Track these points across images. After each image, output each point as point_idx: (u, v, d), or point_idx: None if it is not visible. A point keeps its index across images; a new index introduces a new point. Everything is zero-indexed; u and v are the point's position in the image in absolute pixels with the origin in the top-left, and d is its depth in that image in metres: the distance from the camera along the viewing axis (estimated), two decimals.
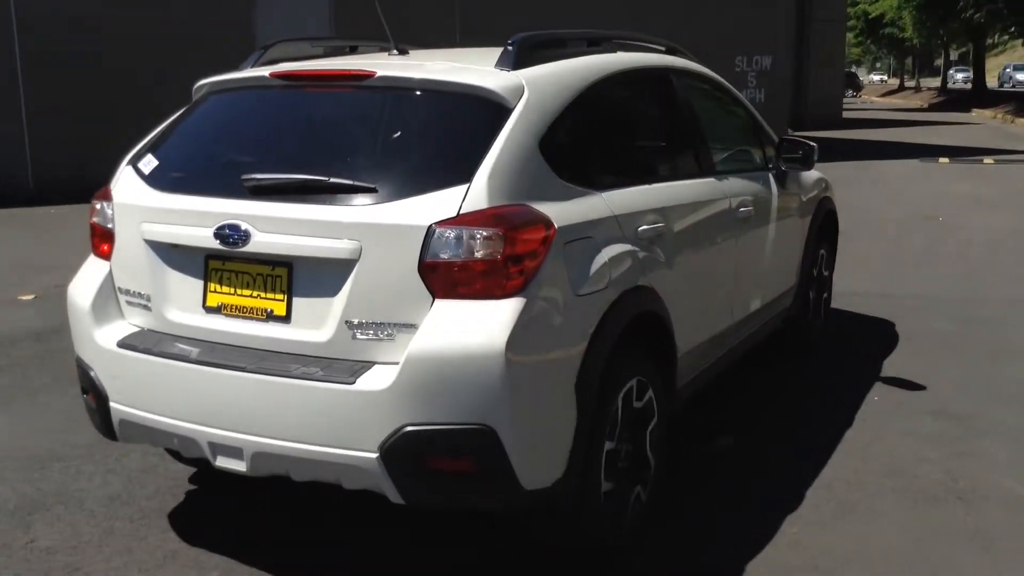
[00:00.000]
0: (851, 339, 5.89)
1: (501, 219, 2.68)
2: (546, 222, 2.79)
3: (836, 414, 4.60)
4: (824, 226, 5.51)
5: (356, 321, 2.72)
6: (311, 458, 2.74)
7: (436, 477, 2.70)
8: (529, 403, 2.69)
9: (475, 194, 2.70)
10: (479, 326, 2.63)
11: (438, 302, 2.67)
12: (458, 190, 2.71)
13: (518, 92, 2.95)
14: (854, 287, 7.03)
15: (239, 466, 2.86)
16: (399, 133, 3.01)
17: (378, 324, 2.70)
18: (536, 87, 3.03)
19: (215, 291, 2.95)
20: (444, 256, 2.66)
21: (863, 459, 4.10)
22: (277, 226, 2.81)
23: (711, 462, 4.08)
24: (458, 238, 2.65)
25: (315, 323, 2.79)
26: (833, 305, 6.42)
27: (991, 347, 5.66)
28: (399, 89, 3.06)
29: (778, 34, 16.41)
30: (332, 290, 2.76)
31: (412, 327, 2.67)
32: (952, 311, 6.50)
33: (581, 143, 3.24)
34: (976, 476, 3.93)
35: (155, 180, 3.14)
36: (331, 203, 2.79)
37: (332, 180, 2.81)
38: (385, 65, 3.19)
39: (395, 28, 3.49)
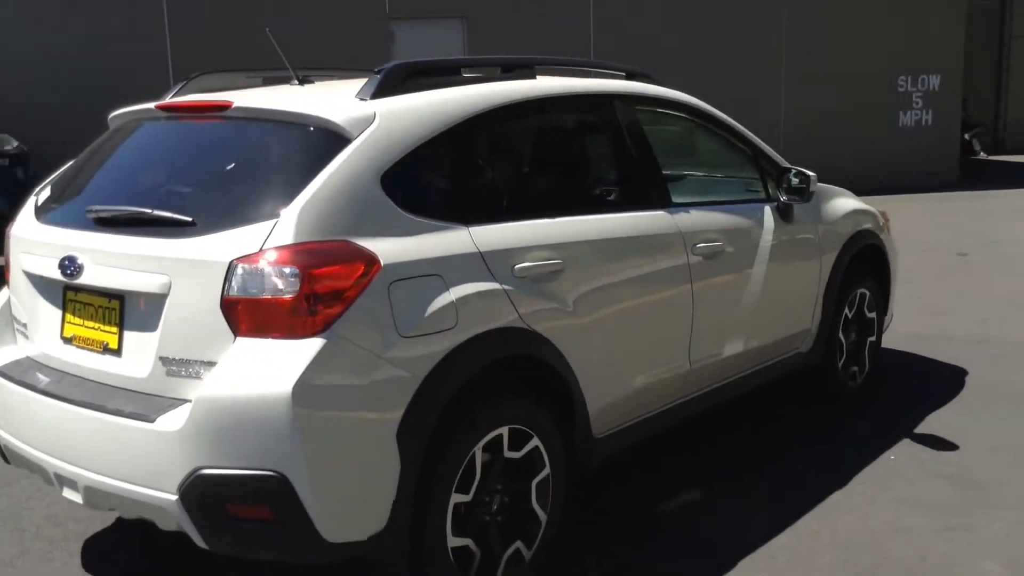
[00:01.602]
0: (902, 387, 5.32)
1: (302, 256, 2.57)
2: (368, 259, 2.65)
3: (835, 472, 4.16)
4: (863, 263, 5.01)
5: (169, 357, 2.69)
6: (127, 496, 2.71)
7: (236, 523, 2.62)
8: (329, 451, 2.56)
9: (281, 229, 2.61)
10: (270, 368, 2.53)
11: (239, 341, 2.59)
12: (266, 225, 2.63)
13: (363, 123, 2.84)
14: (946, 330, 6.40)
15: (77, 498, 2.87)
16: (233, 165, 2.98)
17: (187, 361, 2.65)
18: (391, 118, 2.90)
19: (70, 322, 3.00)
20: (243, 293, 2.58)
21: (832, 526, 3.68)
22: (107, 259, 2.82)
23: (663, 519, 3.77)
24: (257, 275, 2.57)
25: (139, 358, 2.77)
26: (907, 349, 5.91)
27: None
28: (250, 120, 3.02)
29: (950, 52, 15.25)
30: (152, 325, 2.73)
31: (214, 366, 2.60)
32: None
33: (448, 176, 3.09)
34: (953, 555, 3.44)
35: (39, 211, 3.24)
36: (151, 236, 2.77)
37: (155, 213, 2.79)
38: (246, 96, 3.14)
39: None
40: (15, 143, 9.98)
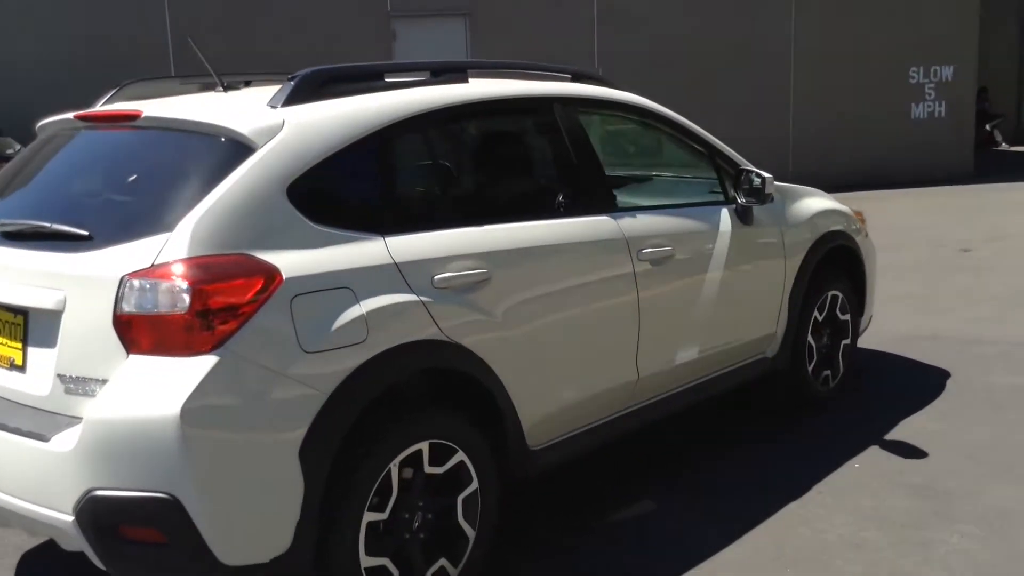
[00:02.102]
0: (878, 391, 5.18)
1: (194, 271, 2.49)
2: (268, 272, 2.58)
3: (796, 481, 4.04)
4: (833, 265, 4.88)
5: (67, 375, 2.63)
6: (27, 515, 2.66)
7: (132, 546, 2.55)
8: (224, 472, 2.49)
9: (175, 243, 2.54)
10: (160, 387, 2.46)
11: (131, 358, 2.52)
12: (160, 239, 2.56)
13: (270, 132, 2.76)
14: (938, 329, 6.29)
15: None
16: (136, 176, 2.91)
17: (83, 379, 2.59)
18: (300, 126, 2.82)
19: None
20: (135, 310, 2.51)
21: (783, 540, 3.57)
22: (10, 274, 2.76)
23: (613, 529, 3.67)
24: (148, 291, 2.50)
25: (41, 374, 2.72)
26: (892, 351, 5.80)
27: None
28: (158, 130, 2.95)
29: (964, 42, 14.97)
30: (51, 341, 2.67)
31: (107, 384, 2.53)
32: None
33: (363, 185, 3.01)
34: (905, 572, 3.32)
35: None
36: (49, 250, 2.71)
37: (52, 227, 2.73)
38: (157, 106, 3.08)
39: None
40: (17, 146, 10.01)
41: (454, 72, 3.41)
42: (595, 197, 3.65)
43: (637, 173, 5.01)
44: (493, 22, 13.54)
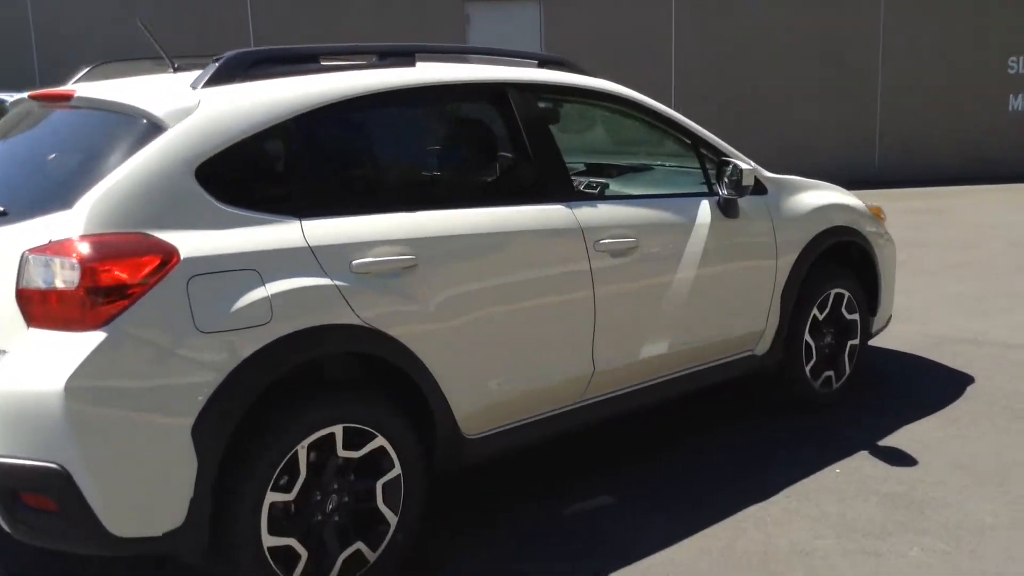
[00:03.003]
0: (887, 395, 4.96)
1: (87, 248, 2.56)
2: (165, 252, 2.62)
3: (768, 483, 3.91)
4: (839, 262, 4.70)
5: None
6: None
7: (31, 512, 2.63)
8: (112, 446, 2.55)
9: (73, 220, 2.61)
10: (50, 361, 2.53)
11: (30, 331, 2.60)
12: (62, 216, 2.63)
13: (182, 113, 2.80)
14: (979, 333, 6.04)
15: None
16: (57, 155, 2.98)
17: None
18: (215, 107, 2.86)
19: None
20: (33, 284, 2.59)
21: (731, 542, 3.46)
22: None
23: (560, 522, 3.63)
24: (44, 266, 2.57)
25: None
26: (920, 353, 5.62)
27: None
28: (87, 110, 3.02)
29: None
30: None
31: (7, 355, 2.62)
32: None
33: (281, 168, 3.02)
34: None
35: None
36: None
37: None
38: (90, 86, 3.15)
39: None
40: None
41: (400, 56, 3.39)
42: (549, 185, 3.59)
43: (633, 163, 4.90)
44: (567, 5, 13.44)
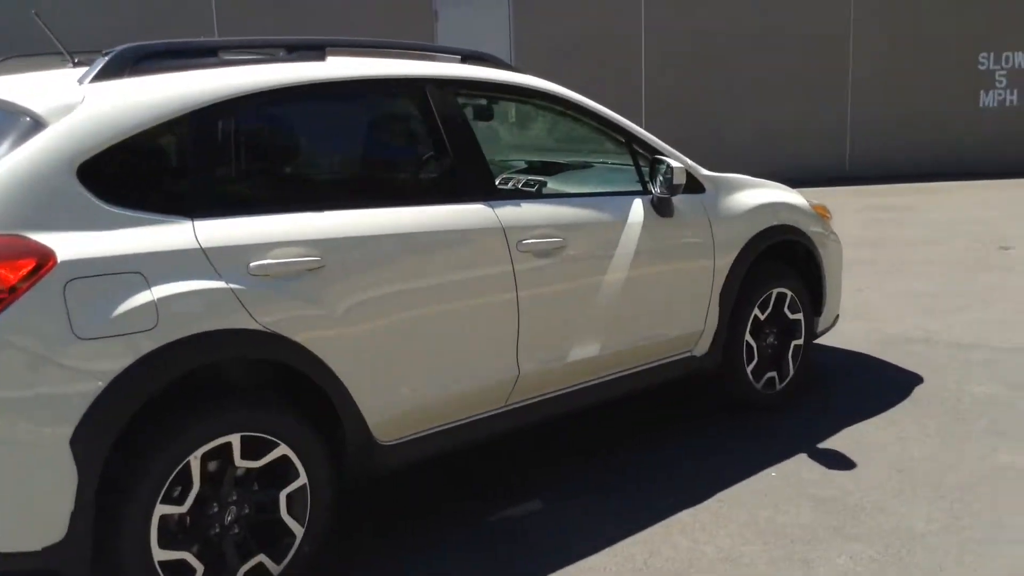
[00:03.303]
0: (833, 395, 4.88)
1: None
2: (40, 254, 2.51)
3: (700, 487, 3.82)
4: (782, 261, 4.63)
5: None
6: None
7: None
8: None
9: None
10: None
11: None
12: None
13: (64, 109, 2.69)
14: (936, 332, 5.97)
15: None
16: None
17: None
18: (101, 103, 2.74)
19: None
20: None
21: (656, 550, 3.38)
22: None
23: (483, 529, 3.54)
24: None
25: None
26: (873, 353, 5.57)
27: (1019, 424, 4.44)
28: None
29: None
30: None
31: None
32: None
33: (172, 167, 2.92)
34: None
35: None
36: None
37: None
38: None
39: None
40: None
41: (311, 49, 3.27)
42: (469, 184, 3.49)
43: (575, 161, 4.80)
44: (537, 3, 13.33)
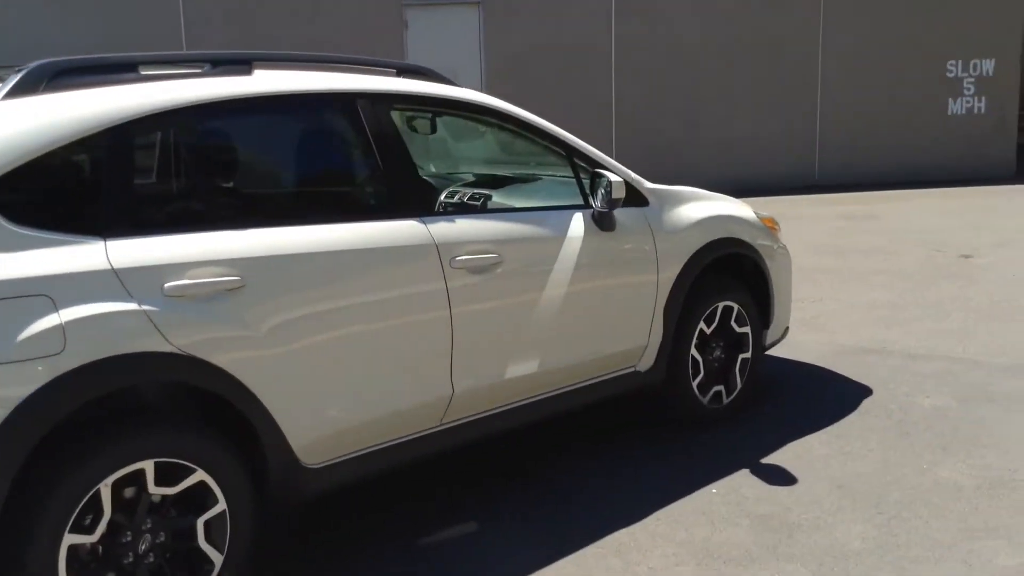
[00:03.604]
0: (780, 409, 4.86)
1: None
2: None
3: (639, 506, 3.80)
4: (727, 274, 4.61)
5: None
6: None
7: None
8: None
9: None
10: None
11: None
12: None
13: None
14: (890, 342, 5.95)
15: None
16: None
17: None
18: (10, 121, 2.68)
19: None
20: None
21: (586, 572, 3.33)
22: None
23: (415, 552, 3.49)
24: None
25: None
26: (825, 364, 5.55)
27: (963, 438, 4.42)
28: None
29: (1006, 34, 14.22)
30: None
31: None
32: (977, 384, 5.17)
33: (84, 185, 2.86)
34: None
35: None
36: None
37: None
38: None
39: None
40: None
41: (236, 64, 3.22)
42: (402, 200, 3.44)
43: (525, 174, 4.77)
44: (507, 10, 13.32)
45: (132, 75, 3.03)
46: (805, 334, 6.22)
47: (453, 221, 3.53)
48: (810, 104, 14.08)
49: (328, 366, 3.15)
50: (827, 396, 5.03)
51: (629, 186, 4.13)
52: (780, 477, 4.05)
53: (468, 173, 4.88)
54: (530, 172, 4.79)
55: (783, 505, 3.79)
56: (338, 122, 3.45)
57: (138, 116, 2.88)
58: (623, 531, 3.61)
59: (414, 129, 4.41)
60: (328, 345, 3.14)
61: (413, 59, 13.06)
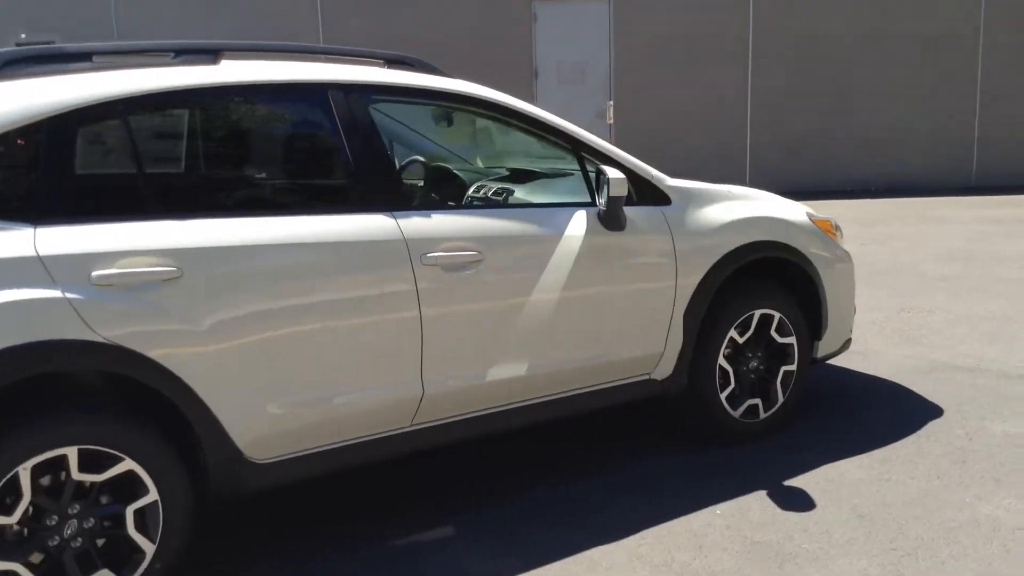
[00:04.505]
0: (827, 427, 4.47)
1: None
2: None
3: (631, 523, 3.57)
4: (767, 278, 4.28)
5: None
6: None
7: None
8: None
9: None
10: None
11: None
12: None
13: None
14: (989, 360, 5.43)
15: None
16: None
17: None
18: None
19: None
20: None
21: None
22: None
23: (383, 552, 3.39)
24: None
25: None
26: (898, 380, 5.11)
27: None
28: None
29: None
30: None
31: None
32: None
33: (17, 173, 2.87)
34: None
35: None
36: None
37: None
38: None
39: None
40: None
41: (202, 53, 3.20)
42: (370, 194, 3.34)
43: (559, 169, 4.57)
44: (638, 3, 13.01)
45: (85, 64, 3.04)
46: (896, 347, 5.74)
47: (428, 216, 3.40)
48: (968, 100, 13.11)
49: (277, 362, 3.08)
50: (888, 415, 4.59)
51: (645, 182, 3.90)
52: (797, 502, 3.71)
53: (503, 168, 4.72)
54: (566, 168, 4.58)
55: (787, 533, 3.46)
56: (305, 113, 3.38)
57: (78, 106, 2.88)
58: (600, 548, 3.39)
59: (446, 122, 4.31)
60: (277, 341, 3.07)
61: (541, 53, 12.99)
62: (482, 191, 4.41)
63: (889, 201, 12.43)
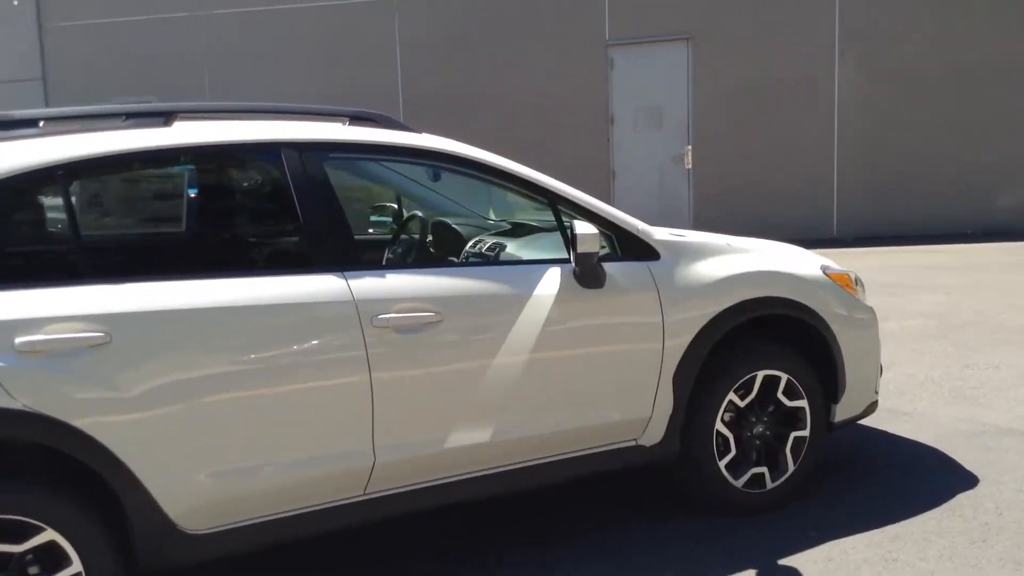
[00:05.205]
0: (845, 497, 4.14)
1: None
2: None
3: None
4: (772, 337, 4.03)
5: None
6: None
7: None
8: None
9: None
10: None
11: None
12: None
13: None
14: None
15: None
16: None
17: None
18: None
19: None
20: None
21: None
22: None
23: None
24: None
25: None
26: (931, 442, 4.76)
27: None
28: None
29: None
30: None
31: None
32: None
33: None
34: None
35: None
36: None
37: None
38: None
39: None
40: None
41: (154, 116, 3.19)
42: (320, 254, 3.26)
43: (531, 223, 4.41)
44: (717, 44, 12.77)
45: (32, 130, 3.06)
46: (947, 407, 5.34)
47: (382, 276, 3.30)
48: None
49: (212, 430, 3.01)
50: (914, 485, 4.24)
51: (630, 236, 3.73)
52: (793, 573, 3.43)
53: (506, 222, 4.60)
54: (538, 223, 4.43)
55: None
56: (255, 173, 3.33)
57: (14, 173, 2.90)
58: None
59: (435, 178, 4.23)
60: (211, 408, 3.00)
61: (617, 99, 12.87)
62: (478, 246, 4.29)
63: (988, 246, 11.76)
